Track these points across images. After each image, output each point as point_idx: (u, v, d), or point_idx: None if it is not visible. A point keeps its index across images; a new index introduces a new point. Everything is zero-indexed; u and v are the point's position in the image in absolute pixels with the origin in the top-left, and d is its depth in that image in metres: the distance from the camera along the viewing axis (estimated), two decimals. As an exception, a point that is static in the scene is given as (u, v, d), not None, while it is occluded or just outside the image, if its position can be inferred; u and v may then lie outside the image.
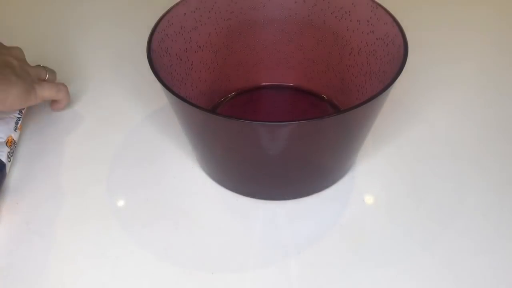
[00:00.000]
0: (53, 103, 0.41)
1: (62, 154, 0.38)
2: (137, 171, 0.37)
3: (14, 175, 0.37)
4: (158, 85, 0.29)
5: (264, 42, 0.39)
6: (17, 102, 0.36)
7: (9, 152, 0.36)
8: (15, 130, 0.38)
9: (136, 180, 0.36)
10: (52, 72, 0.41)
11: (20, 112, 0.39)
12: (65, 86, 0.41)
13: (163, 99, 0.32)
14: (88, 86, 0.44)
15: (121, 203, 0.35)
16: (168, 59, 0.34)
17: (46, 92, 0.38)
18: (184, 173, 0.37)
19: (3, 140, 0.36)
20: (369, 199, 0.35)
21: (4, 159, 0.35)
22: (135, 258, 0.32)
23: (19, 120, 0.39)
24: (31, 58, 0.48)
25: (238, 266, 0.31)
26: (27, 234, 0.33)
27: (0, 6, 0.53)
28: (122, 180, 0.36)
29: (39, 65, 0.41)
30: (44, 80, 0.40)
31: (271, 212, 0.34)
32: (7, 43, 0.41)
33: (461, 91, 0.43)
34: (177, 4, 0.34)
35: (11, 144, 0.37)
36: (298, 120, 0.27)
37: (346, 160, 0.35)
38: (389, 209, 0.34)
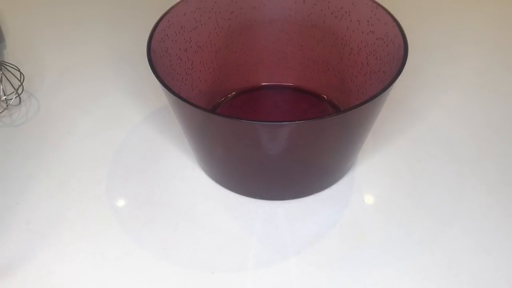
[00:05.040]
0: None
1: (62, 153, 0.38)
2: (137, 171, 0.37)
3: (14, 175, 0.37)
4: (158, 85, 0.29)
5: (264, 42, 0.39)
6: None
7: None
8: None
9: (136, 180, 0.36)
10: None
11: None
12: None
13: (163, 99, 0.32)
14: (87, 86, 0.44)
15: (121, 203, 0.35)
16: (168, 59, 0.34)
17: None
18: (184, 173, 0.37)
19: None
20: (369, 199, 0.35)
21: None
22: (135, 258, 0.32)
23: None
24: (29, 58, 0.48)
25: (238, 266, 0.31)
26: (27, 234, 0.33)
27: (0, 6, 0.53)
28: (122, 180, 0.36)
29: None
30: None
31: (271, 212, 0.34)
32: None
33: (461, 91, 0.43)
34: (177, 4, 0.34)
35: None
36: (298, 120, 0.27)
37: (346, 160, 0.35)
38: (389, 209, 0.34)
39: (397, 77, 0.29)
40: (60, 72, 0.46)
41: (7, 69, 0.44)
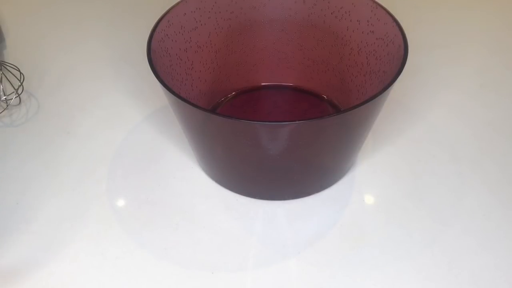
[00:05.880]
0: None
1: (62, 153, 0.38)
2: (137, 171, 0.37)
3: (13, 175, 0.37)
4: (158, 85, 0.29)
5: (264, 42, 0.39)
6: None
7: None
8: None
9: (136, 180, 0.36)
10: None
11: None
12: None
13: (163, 99, 0.32)
14: (87, 86, 0.44)
15: (121, 203, 0.35)
16: (168, 59, 0.34)
17: None
18: (184, 173, 0.37)
19: None
20: (369, 199, 0.35)
21: None
22: (135, 258, 0.32)
23: None
24: (29, 58, 0.48)
25: (238, 266, 0.31)
26: (27, 234, 0.33)
27: (0, 7, 0.53)
28: (122, 180, 0.36)
29: None
30: None
31: (271, 212, 0.34)
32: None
33: (461, 91, 0.43)
34: (177, 4, 0.34)
35: None
36: (298, 120, 0.27)
37: (346, 160, 0.35)
38: (389, 209, 0.34)
39: (397, 77, 0.29)
40: (60, 72, 0.46)
41: (7, 69, 0.44)
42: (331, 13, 0.36)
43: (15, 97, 0.42)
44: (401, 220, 0.33)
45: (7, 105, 0.42)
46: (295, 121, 0.27)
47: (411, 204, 0.34)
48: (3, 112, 0.42)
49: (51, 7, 0.54)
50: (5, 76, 0.43)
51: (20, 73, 0.43)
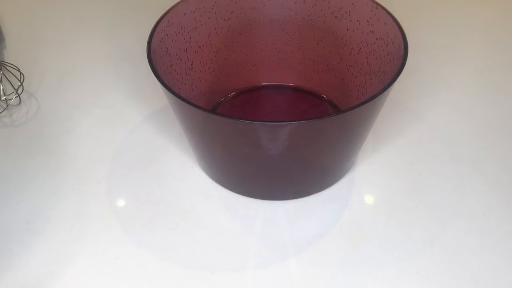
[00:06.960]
0: None
1: (62, 153, 0.38)
2: (137, 171, 0.37)
3: (13, 175, 0.37)
4: (158, 85, 0.29)
5: (264, 42, 0.39)
6: None
7: None
8: None
9: (136, 180, 0.36)
10: None
11: None
12: None
13: (163, 99, 0.32)
14: (87, 86, 0.44)
15: (121, 203, 0.35)
16: (168, 59, 0.34)
17: None
18: (184, 173, 0.37)
19: None
20: (369, 199, 0.35)
21: None
22: (135, 258, 0.32)
23: None
24: (29, 58, 0.48)
25: (238, 266, 0.31)
26: (27, 234, 0.33)
27: (0, 7, 0.53)
28: (122, 180, 0.36)
29: None
30: None
31: (271, 212, 0.34)
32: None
33: (461, 91, 0.43)
34: (177, 4, 0.34)
35: None
36: (298, 120, 0.27)
37: (346, 160, 0.35)
38: (389, 209, 0.34)
39: (397, 77, 0.29)
40: (60, 72, 0.46)
41: (7, 69, 0.44)
42: (331, 13, 0.36)
43: (15, 97, 0.42)
44: (401, 220, 0.33)
45: (7, 105, 0.42)
46: (295, 121, 0.27)
47: (411, 204, 0.34)
48: (3, 112, 0.42)
49: (51, 7, 0.54)
50: (5, 76, 0.43)
51: (20, 73, 0.43)
